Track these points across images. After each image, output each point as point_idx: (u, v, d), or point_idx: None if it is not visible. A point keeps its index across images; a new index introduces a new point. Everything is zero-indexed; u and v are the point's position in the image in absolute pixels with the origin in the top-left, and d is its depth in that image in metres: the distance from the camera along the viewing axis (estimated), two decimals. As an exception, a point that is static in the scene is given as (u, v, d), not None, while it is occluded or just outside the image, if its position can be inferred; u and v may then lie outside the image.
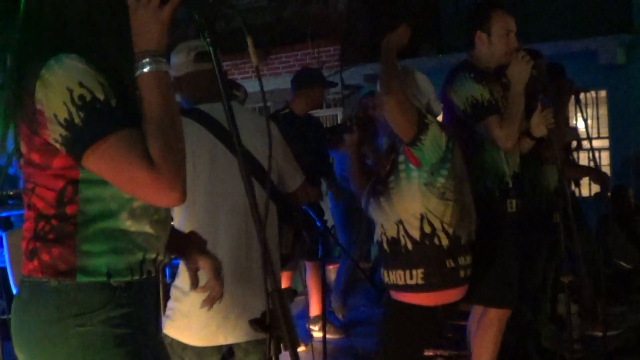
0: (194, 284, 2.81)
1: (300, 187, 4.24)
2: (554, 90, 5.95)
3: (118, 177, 2.23)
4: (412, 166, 4.29)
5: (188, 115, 3.85)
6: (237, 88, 7.31)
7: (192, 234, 2.94)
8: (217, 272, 2.82)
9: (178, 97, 4.07)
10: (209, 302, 2.85)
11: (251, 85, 14.07)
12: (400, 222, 4.30)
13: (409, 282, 4.30)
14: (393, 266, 4.35)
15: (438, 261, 4.29)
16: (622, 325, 7.38)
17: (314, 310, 7.81)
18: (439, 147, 4.26)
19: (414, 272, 4.28)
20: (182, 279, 3.80)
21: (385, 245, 4.39)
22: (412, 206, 4.28)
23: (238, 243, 3.81)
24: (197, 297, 3.13)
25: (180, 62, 3.99)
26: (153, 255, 2.49)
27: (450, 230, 4.28)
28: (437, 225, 4.27)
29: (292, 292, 2.29)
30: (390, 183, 4.35)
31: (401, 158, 4.34)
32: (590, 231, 7.71)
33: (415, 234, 4.28)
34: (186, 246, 2.86)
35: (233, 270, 3.69)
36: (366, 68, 13.72)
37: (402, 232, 4.28)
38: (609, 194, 8.28)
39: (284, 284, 6.08)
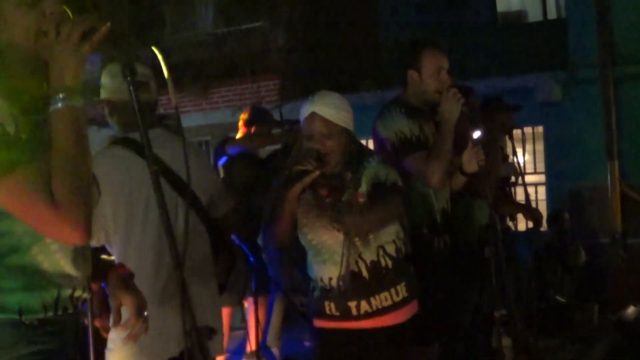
0: (116, 321, 2.72)
1: (230, 211, 4.32)
2: (490, 124, 5.99)
3: (21, 213, 2.22)
4: None
5: (121, 143, 3.92)
6: (169, 118, 7.27)
7: (119, 266, 2.89)
8: (139, 310, 2.71)
9: (112, 122, 4.14)
10: (131, 338, 2.75)
11: (189, 120, 14.15)
12: (381, 245, 4.28)
13: (395, 299, 4.28)
14: (377, 290, 4.31)
15: (410, 270, 4.38)
16: (554, 358, 7.43)
17: (252, 345, 7.76)
18: None
19: (398, 287, 4.28)
20: None
21: (365, 273, 4.30)
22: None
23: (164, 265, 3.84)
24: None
25: (115, 87, 4.01)
26: (69, 292, 2.43)
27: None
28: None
29: (209, 331, 2.28)
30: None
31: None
32: (521, 265, 7.75)
33: (393, 252, 4.29)
34: (110, 281, 2.79)
35: (172, 292, 3.67)
36: (305, 103, 13.71)
37: (381, 254, 4.27)
38: (543, 228, 8.35)
39: (225, 319, 6.04)
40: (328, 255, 4.17)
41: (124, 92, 3.87)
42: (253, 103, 10.15)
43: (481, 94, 7.38)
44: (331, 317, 4.25)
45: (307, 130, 4.10)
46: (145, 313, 2.77)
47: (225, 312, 7.03)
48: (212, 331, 2.31)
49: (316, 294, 4.27)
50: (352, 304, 4.19)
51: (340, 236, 4.10)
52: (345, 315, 4.21)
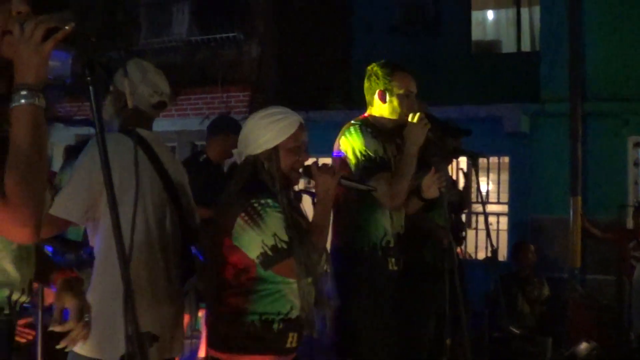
0: (56, 320, 2.71)
1: (199, 222, 4.43)
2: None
3: None
4: None
5: (126, 134, 4.05)
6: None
7: (68, 270, 2.89)
8: (80, 314, 2.73)
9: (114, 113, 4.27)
10: (69, 342, 2.75)
11: (157, 125, 14.10)
12: None
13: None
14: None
15: None
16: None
17: (202, 352, 7.81)
18: None
19: None
20: (92, 296, 3.73)
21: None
22: None
23: (154, 260, 4.08)
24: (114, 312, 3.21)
25: (140, 91, 4.23)
26: (6, 293, 2.41)
27: None
28: None
29: (151, 336, 2.24)
30: None
31: None
32: (474, 294, 7.75)
33: None
34: (58, 283, 2.79)
35: (159, 289, 4.02)
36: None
37: None
38: (502, 258, 8.36)
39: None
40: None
41: (141, 98, 4.17)
42: (221, 112, 10.13)
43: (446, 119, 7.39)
44: (289, 351, 3.95)
45: (299, 141, 3.92)
46: (87, 318, 2.77)
47: (186, 318, 7.02)
48: (155, 338, 2.26)
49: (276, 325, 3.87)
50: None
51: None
52: (297, 347, 4.02)
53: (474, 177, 9.62)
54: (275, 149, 3.86)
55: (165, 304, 4.10)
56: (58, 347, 2.83)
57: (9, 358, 2.51)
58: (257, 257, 3.73)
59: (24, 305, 2.57)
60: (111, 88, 4.27)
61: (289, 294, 3.83)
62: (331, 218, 4.14)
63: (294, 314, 3.85)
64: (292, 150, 3.89)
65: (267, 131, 3.87)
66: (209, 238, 4.00)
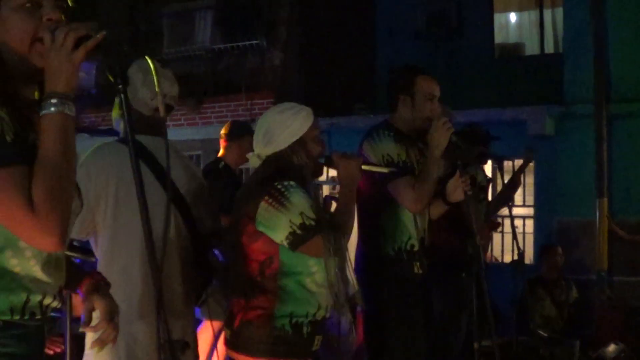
0: (86, 323, 2.75)
1: (217, 229, 4.37)
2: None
3: None
4: None
5: (126, 143, 3.89)
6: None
7: (96, 273, 2.92)
8: (110, 315, 2.75)
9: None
10: (99, 344, 2.78)
11: (182, 134, 14.15)
12: None
13: None
14: None
15: None
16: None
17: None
18: None
19: None
20: None
21: None
22: None
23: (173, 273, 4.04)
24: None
25: (143, 96, 4.13)
26: (38, 297, 2.41)
27: None
28: None
29: (184, 344, 2.26)
30: None
31: None
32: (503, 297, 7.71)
33: None
34: (85, 286, 2.81)
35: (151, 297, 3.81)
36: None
37: None
38: (528, 261, 8.31)
39: (212, 333, 6.01)
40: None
41: (145, 100, 4.10)
42: (233, 119, 10.10)
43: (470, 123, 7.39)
44: (314, 354, 3.94)
45: (315, 134, 3.94)
46: (116, 320, 2.78)
47: (216, 325, 6.98)
48: (187, 345, 2.28)
49: (305, 329, 3.84)
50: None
51: None
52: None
53: (499, 181, 9.59)
54: (301, 140, 3.88)
55: (171, 317, 4.01)
56: (89, 349, 2.86)
57: None
58: (286, 237, 3.70)
59: (53, 315, 2.58)
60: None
61: (312, 288, 3.81)
62: (355, 223, 4.15)
63: (321, 314, 3.84)
64: (316, 140, 3.93)
65: (290, 123, 3.88)
66: (230, 235, 3.99)
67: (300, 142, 3.87)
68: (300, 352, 3.81)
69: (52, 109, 2.26)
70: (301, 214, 3.70)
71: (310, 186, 3.93)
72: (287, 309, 3.76)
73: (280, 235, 3.72)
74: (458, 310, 5.81)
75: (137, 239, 3.83)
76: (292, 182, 3.76)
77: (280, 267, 3.76)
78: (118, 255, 3.97)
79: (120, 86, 2.36)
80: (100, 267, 3.97)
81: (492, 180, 8.37)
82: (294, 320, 3.77)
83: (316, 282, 3.81)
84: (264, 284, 3.78)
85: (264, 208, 3.73)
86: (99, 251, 4.03)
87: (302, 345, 3.81)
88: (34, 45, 2.36)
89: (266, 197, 3.73)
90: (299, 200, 3.72)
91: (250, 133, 7.57)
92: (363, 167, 4.00)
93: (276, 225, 3.72)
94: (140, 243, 3.87)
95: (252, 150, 3.99)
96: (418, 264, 4.93)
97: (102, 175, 3.94)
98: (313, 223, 3.71)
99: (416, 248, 4.92)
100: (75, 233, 3.89)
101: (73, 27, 2.28)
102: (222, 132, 7.61)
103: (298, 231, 3.68)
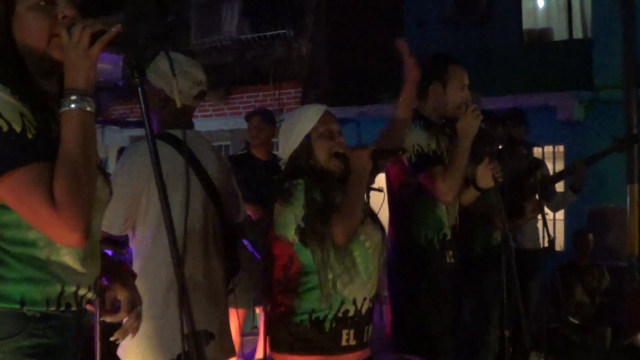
0: (107, 310, 2.80)
1: (244, 219, 4.48)
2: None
3: (20, 210, 2.24)
4: None
5: (162, 138, 3.96)
6: None
7: (121, 264, 3.00)
8: (131, 305, 2.81)
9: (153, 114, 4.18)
10: (122, 334, 2.85)
11: (210, 124, 14.19)
12: None
13: None
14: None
15: None
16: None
17: (260, 352, 7.77)
18: None
19: None
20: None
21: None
22: None
23: (202, 262, 4.08)
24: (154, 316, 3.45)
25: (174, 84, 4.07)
26: (73, 289, 2.44)
27: None
28: None
29: (208, 335, 2.26)
30: None
31: None
32: (534, 284, 7.68)
33: None
34: (112, 276, 2.85)
35: (200, 288, 4.00)
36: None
37: None
38: (559, 248, 8.27)
39: (238, 321, 6.04)
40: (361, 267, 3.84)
41: (181, 92, 4.10)
42: (274, 110, 10.17)
43: (503, 110, 7.37)
44: (346, 349, 3.83)
45: (328, 126, 3.91)
46: (138, 310, 2.86)
47: (240, 312, 7.02)
48: (211, 336, 2.29)
49: (328, 324, 3.77)
50: (367, 329, 3.92)
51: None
52: (361, 345, 3.89)
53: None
54: (308, 137, 3.89)
55: (210, 305, 4.10)
56: (112, 339, 2.89)
57: (77, 353, 2.56)
58: (295, 232, 3.72)
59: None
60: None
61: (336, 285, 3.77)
62: (383, 213, 4.15)
63: (346, 308, 3.78)
64: (324, 135, 3.90)
65: (297, 122, 3.93)
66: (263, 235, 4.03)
67: (308, 139, 3.89)
68: (323, 348, 3.78)
69: (72, 105, 2.29)
70: (303, 207, 3.71)
71: (333, 181, 3.91)
72: (308, 305, 3.76)
73: (291, 232, 3.74)
74: (486, 300, 5.82)
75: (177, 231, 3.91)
76: (300, 180, 3.77)
77: (301, 267, 3.76)
78: (162, 248, 3.99)
79: (137, 79, 2.36)
80: (139, 256, 4.03)
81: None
82: (314, 317, 3.75)
83: (340, 279, 3.79)
84: (287, 284, 3.80)
85: (277, 209, 3.78)
86: (137, 244, 4.07)
87: (324, 340, 3.77)
88: (51, 40, 2.39)
89: (278, 199, 3.77)
90: (302, 194, 3.73)
91: (257, 114, 7.71)
92: (375, 153, 3.96)
93: (285, 223, 3.75)
94: (180, 234, 3.96)
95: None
96: (451, 252, 4.92)
97: (144, 172, 3.93)
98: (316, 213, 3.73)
99: (449, 237, 4.91)
100: (117, 230, 3.97)
101: (88, 23, 2.31)
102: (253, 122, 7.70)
103: (302, 224, 3.70)
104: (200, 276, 4.04)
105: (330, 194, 3.82)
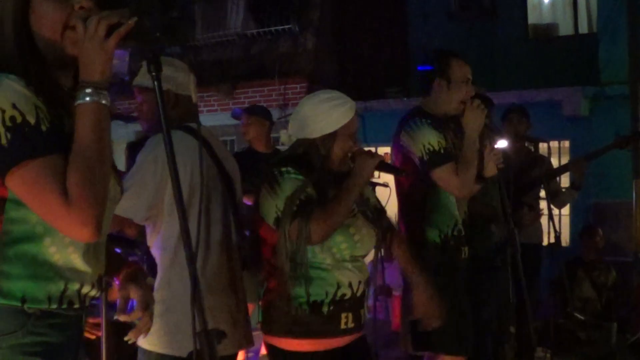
0: (121, 309, 2.75)
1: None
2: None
3: (32, 203, 2.22)
4: None
5: (185, 130, 3.96)
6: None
7: (133, 263, 2.92)
8: (145, 304, 2.77)
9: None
10: (136, 333, 2.81)
11: (216, 119, 14.18)
12: None
13: None
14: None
15: None
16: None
17: (264, 348, 7.76)
18: None
19: None
20: (160, 294, 3.81)
21: None
22: None
23: (227, 256, 4.06)
24: (184, 309, 3.36)
25: (183, 81, 4.12)
26: (76, 286, 2.41)
27: None
28: None
29: (219, 333, 2.26)
30: None
31: None
32: (540, 279, 7.68)
33: None
34: (122, 274, 2.82)
35: (222, 282, 4.00)
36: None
37: None
38: (565, 244, 8.26)
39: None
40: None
41: (187, 88, 4.11)
42: (279, 105, 10.18)
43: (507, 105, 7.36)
44: (345, 332, 3.93)
45: (355, 127, 3.94)
46: (152, 310, 2.81)
47: (249, 307, 7.02)
48: (223, 334, 2.28)
49: (326, 308, 3.84)
50: (362, 312, 4.01)
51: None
52: (359, 327, 3.99)
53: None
54: (334, 133, 3.87)
55: (231, 297, 4.09)
56: (125, 338, 2.87)
57: (78, 351, 2.53)
58: (273, 222, 3.77)
59: (92, 302, 2.59)
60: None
61: (327, 267, 3.82)
62: (390, 212, 4.15)
63: (343, 292, 3.84)
64: (349, 136, 3.90)
65: (327, 116, 3.87)
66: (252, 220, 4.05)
67: (332, 136, 3.87)
68: (322, 331, 3.82)
69: (87, 98, 2.26)
70: (286, 199, 3.73)
71: (331, 178, 3.91)
72: (304, 289, 3.78)
73: (271, 219, 3.79)
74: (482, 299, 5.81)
75: (203, 225, 3.92)
76: (290, 169, 3.78)
77: None
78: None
79: (154, 74, 2.35)
80: (165, 250, 3.98)
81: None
82: (312, 300, 3.79)
83: (335, 259, 3.83)
84: (277, 265, 3.82)
85: (262, 194, 3.84)
86: (160, 236, 3.99)
87: (323, 324, 3.82)
88: (65, 33, 2.36)
89: (265, 184, 3.81)
90: (288, 186, 3.75)
91: (244, 112, 7.80)
92: (379, 165, 3.95)
93: (267, 211, 3.80)
94: (204, 228, 3.94)
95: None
96: (466, 248, 4.93)
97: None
98: (295, 209, 3.72)
99: (463, 232, 4.91)
100: (140, 217, 3.91)
101: (104, 15, 2.27)
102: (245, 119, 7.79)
103: (281, 216, 3.74)
104: (210, 272, 4.01)
105: (324, 189, 3.84)
